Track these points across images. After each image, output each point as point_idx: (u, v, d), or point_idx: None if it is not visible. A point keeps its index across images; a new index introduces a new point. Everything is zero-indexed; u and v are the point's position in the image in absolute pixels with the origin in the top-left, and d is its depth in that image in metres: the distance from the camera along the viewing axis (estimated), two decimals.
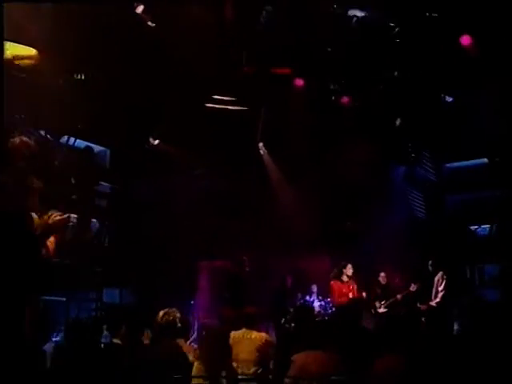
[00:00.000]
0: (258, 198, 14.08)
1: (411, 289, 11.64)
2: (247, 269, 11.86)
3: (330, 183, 13.80)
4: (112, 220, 13.42)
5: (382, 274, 12.45)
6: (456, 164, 14.43)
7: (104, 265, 12.40)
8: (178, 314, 7.27)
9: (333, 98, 12.75)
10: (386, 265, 12.75)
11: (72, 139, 12.88)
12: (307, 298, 13.65)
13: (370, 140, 13.35)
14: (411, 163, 14.07)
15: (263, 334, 7.65)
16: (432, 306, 11.13)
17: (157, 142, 13.97)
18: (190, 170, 14.09)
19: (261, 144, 14.57)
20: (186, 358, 6.17)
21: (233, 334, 7.68)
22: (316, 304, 13.47)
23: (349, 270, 11.52)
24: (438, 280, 11.18)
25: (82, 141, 13.06)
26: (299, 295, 13.05)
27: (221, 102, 12.86)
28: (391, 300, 12.08)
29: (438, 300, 11.10)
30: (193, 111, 13.21)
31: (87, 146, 12.92)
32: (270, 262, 13.66)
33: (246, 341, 7.56)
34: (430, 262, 11.50)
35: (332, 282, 11.48)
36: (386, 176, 14.22)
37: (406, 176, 14.18)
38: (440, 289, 11.11)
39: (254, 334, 7.60)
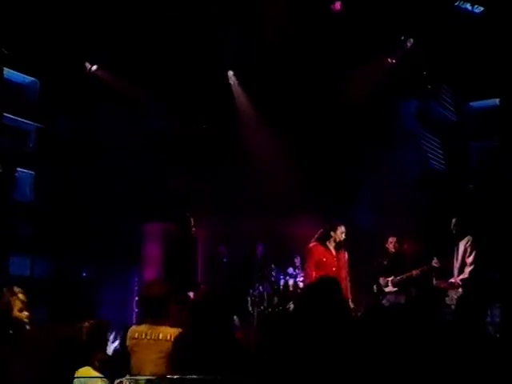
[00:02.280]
0: (225, 143, 10.86)
1: (434, 264, 8.43)
2: (193, 229, 8.64)
3: (319, 122, 10.59)
4: (33, 168, 10.21)
5: (391, 240, 9.30)
6: (484, 102, 11.04)
7: (10, 224, 9.20)
8: (21, 296, 4.26)
9: None
10: (393, 229, 9.59)
11: None
12: (290, 270, 10.58)
13: (371, 64, 10.18)
14: (426, 97, 10.71)
15: (172, 331, 4.49)
16: (456, 284, 7.88)
17: (95, 67, 10.68)
18: (137, 105, 10.81)
19: (230, 72, 11.21)
20: None
21: (133, 329, 4.71)
22: (301, 279, 10.47)
23: (339, 234, 8.18)
24: (466, 249, 7.89)
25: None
26: (272, 266, 9.88)
27: None
28: (404, 276, 8.92)
29: (465, 276, 7.82)
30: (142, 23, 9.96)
31: None
32: (238, 225, 10.49)
33: (151, 343, 4.50)
34: (454, 220, 8.22)
35: (311, 245, 8.21)
36: (393, 112, 10.85)
37: (418, 114, 10.79)
38: (469, 261, 7.80)
39: (162, 332, 4.50)
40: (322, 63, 10.24)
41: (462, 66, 10.31)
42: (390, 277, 9.17)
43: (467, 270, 7.80)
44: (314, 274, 7.90)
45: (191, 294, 7.87)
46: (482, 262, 7.79)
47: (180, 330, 4.45)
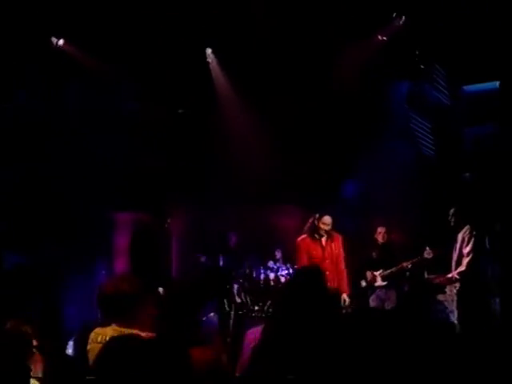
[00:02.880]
0: (202, 126, 10.09)
1: (426, 255, 7.76)
2: (168, 220, 7.83)
3: (304, 105, 9.86)
4: None
5: (380, 230, 8.62)
6: (477, 86, 10.34)
7: None
8: None
9: None
10: (382, 219, 8.92)
11: None
12: (270, 263, 9.85)
13: (360, 41, 9.44)
14: (418, 78, 10.00)
15: (144, 336, 3.70)
16: (453, 278, 7.18)
17: (61, 42, 9.82)
18: (108, 84, 9.99)
19: (209, 50, 10.41)
20: None
21: (97, 332, 3.88)
22: (283, 273, 9.76)
23: (324, 225, 7.39)
24: (463, 238, 7.20)
25: None
26: (246, 264, 9.11)
27: None
28: (394, 269, 8.25)
29: (462, 269, 7.12)
30: None
31: None
32: (215, 214, 9.74)
33: None
34: (452, 210, 7.50)
35: (299, 239, 7.43)
36: (383, 94, 10.12)
37: (409, 96, 10.10)
38: (466, 251, 7.10)
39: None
40: (308, 40, 9.47)
41: (457, 46, 9.64)
42: (380, 270, 8.50)
43: (465, 261, 7.10)
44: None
45: (161, 290, 7.10)
46: (481, 253, 7.10)
47: (153, 334, 3.71)
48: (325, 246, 7.26)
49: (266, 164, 9.65)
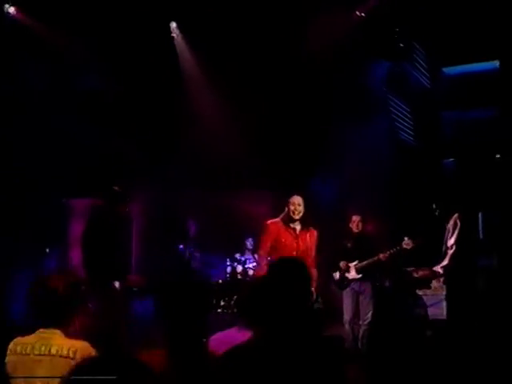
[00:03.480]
0: (164, 104, 9.40)
1: (404, 245, 7.17)
2: (125, 206, 7.07)
3: (275, 83, 9.25)
4: None
5: (355, 218, 7.98)
6: (459, 68, 9.86)
7: None
8: None
9: None
10: (357, 207, 8.34)
11: None
12: (237, 255, 9.26)
13: (336, 17, 8.84)
14: (397, 58, 9.44)
15: (72, 344, 3.07)
16: (437, 273, 6.61)
17: (13, 9, 9.01)
18: (65, 59, 9.22)
19: (173, 24, 9.68)
20: None
21: (17, 341, 3.26)
22: (250, 265, 9.20)
23: (294, 205, 6.39)
24: (448, 229, 6.63)
25: None
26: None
27: None
28: (371, 260, 7.64)
29: (445, 263, 6.54)
30: None
31: None
32: (179, 200, 9.09)
33: (39, 361, 3.11)
34: (434, 205, 6.91)
35: (269, 222, 6.61)
36: (360, 74, 9.52)
37: (388, 77, 9.53)
38: (450, 243, 6.53)
39: (56, 344, 3.10)
40: (279, 13, 8.82)
41: (438, 25, 9.13)
42: (355, 261, 7.90)
43: (449, 253, 6.51)
44: (267, 257, 6.42)
45: (117, 284, 6.41)
46: (467, 245, 6.53)
47: (85, 342, 3.09)
48: (298, 236, 6.51)
49: (234, 146, 9.00)
